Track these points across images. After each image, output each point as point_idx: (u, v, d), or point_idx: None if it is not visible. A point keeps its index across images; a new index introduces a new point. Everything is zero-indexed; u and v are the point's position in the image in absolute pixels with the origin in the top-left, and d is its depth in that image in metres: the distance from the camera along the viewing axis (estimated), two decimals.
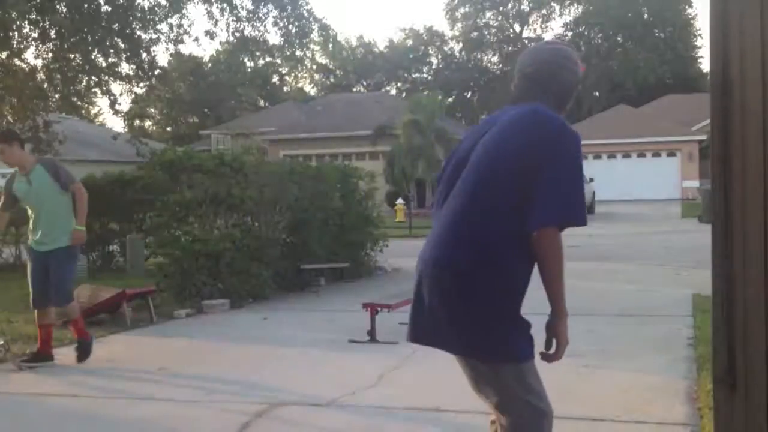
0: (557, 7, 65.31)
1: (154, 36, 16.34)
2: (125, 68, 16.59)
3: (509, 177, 2.74)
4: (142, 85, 17.34)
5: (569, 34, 62.96)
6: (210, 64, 58.64)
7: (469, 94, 68.92)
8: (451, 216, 2.83)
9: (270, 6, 17.03)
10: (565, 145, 2.79)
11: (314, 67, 68.70)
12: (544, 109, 2.88)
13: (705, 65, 59.99)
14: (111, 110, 17.00)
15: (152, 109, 62.43)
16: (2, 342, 7.64)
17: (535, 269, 2.82)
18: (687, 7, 58.44)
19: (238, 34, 17.03)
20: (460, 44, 69.17)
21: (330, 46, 26.07)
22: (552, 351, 2.91)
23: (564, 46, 3.13)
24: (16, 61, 15.97)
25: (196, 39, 37.09)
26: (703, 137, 37.10)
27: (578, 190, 2.76)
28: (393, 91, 68.68)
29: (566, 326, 2.88)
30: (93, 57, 15.87)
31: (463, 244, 2.77)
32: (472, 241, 2.76)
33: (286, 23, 17.21)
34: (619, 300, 10.12)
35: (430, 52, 71.08)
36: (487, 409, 5.05)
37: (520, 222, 2.71)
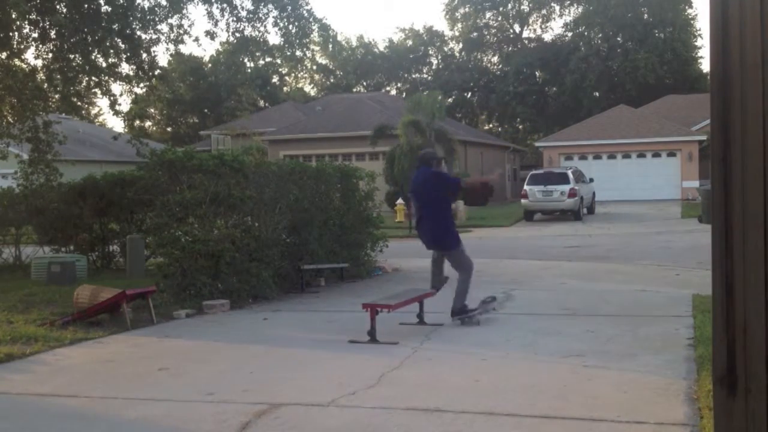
0: (557, 7, 65.36)
1: (154, 36, 16.33)
2: (125, 68, 16.59)
3: (439, 191, 8.75)
4: (142, 85, 17.33)
5: (569, 34, 62.98)
6: (210, 65, 58.72)
7: (468, 95, 68.94)
8: (429, 208, 8.71)
9: (270, 6, 17.00)
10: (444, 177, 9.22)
11: (314, 67, 68.76)
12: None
13: (705, 65, 60.05)
14: (111, 111, 16.97)
15: (152, 110, 62.47)
16: None
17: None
18: (687, 7, 58.44)
19: (238, 35, 17.01)
20: (460, 44, 69.22)
21: (330, 46, 26.03)
22: None
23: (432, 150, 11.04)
24: (16, 61, 15.97)
25: (197, 39, 36.85)
26: (703, 137, 37.09)
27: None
28: (393, 92, 68.73)
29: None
30: (93, 57, 15.86)
31: (436, 216, 8.68)
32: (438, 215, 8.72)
33: (286, 23, 17.19)
34: (619, 300, 10.12)
35: (430, 52, 71.12)
36: (486, 410, 5.11)
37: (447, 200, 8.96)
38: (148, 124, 64.97)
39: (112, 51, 15.84)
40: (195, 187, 10.59)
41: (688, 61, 57.65)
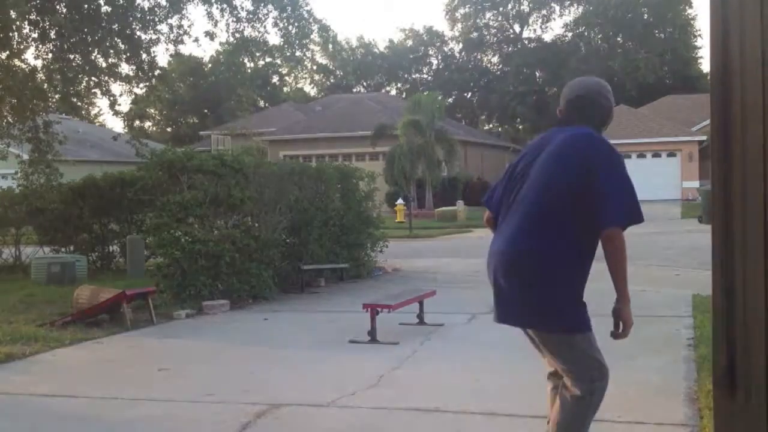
0: (557, 8, 65.30)
1: (153, 36, 16.32)
2: (125, 69, 16.60)
3: (565, 187, 3.39)
4: (142, 85, 17.33)
5: (569, 34, 62.97)
6: (210, 65, 58.69)
7: (468, 95, 68.92)
8: (519, 218, 3.46)
9: (270, 7, 17.00)
10: (616, 159, 3.54)
11: (314, 67, 68.65)
12: (593, 131, 3.51)
13: (705, 65, 60.03)
14: (111, 111, 17.01)
15: (152, 110, 62.44)
16: None
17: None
18: (687, 7, 58.45)
19: (238, 35, 17.01)
20: (460, 45, 69.17)
21: (330, 46, 26.00)
22: (620, 331, 3.73)
23: (601, 80, 3.75)
24: (16, 62, 15.96)
25: (196, 39, 36.94)
26: (703, 138, 37.09)
27: (635, 194, 3.53)
28: (393, 92, 68.71)
29: (630, 310, 3.70)
30: (93, 57, 15.86)
31: (533, 238, 3.45)
32: (537, 237, 3.45)
33: (286, 24, 17.19)
34: None
35: (430, 52, 71.08)
36: (486, 410, 5.06)
37: (573, 222, 3.44)
38: (148, 124, 65.01)
39: (112, 51, 15.84)
40: (195, 187, 10.58)
41: (688, 61, 57.64)
